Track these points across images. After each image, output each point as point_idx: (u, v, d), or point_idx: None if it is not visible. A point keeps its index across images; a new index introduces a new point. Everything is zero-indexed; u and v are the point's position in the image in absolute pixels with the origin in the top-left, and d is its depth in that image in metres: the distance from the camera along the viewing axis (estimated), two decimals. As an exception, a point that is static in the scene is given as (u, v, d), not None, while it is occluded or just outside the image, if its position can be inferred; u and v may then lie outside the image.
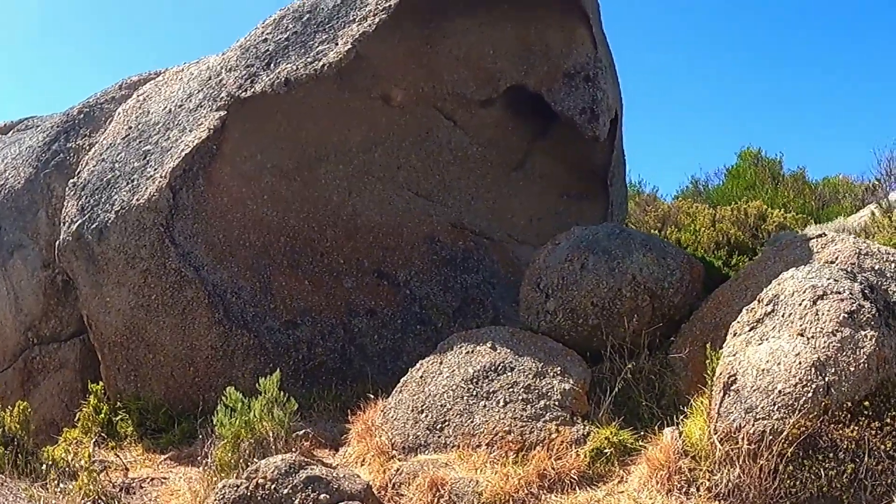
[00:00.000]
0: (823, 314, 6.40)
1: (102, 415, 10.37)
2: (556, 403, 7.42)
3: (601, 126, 11.43)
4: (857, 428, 5.84)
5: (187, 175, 10.41)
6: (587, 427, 7.18)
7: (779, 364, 6.23)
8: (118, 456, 9.20)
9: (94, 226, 10.69)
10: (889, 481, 5.71)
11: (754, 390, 6.18)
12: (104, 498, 7.63)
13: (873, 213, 11.96)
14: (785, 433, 5.83)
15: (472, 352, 8.12)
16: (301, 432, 8.09)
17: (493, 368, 7.84)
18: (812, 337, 6.29)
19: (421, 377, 8.19)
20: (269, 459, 6.90)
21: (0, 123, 15.60)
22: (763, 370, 6.28)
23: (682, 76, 55.74)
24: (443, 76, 11.52)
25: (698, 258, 10.41)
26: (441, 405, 7.73)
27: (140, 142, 11.29)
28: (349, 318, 10.77)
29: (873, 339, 6.15)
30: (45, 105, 74.65)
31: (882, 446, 5.80)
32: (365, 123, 11.39)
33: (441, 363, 8.20)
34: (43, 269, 12.29)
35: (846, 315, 6.33)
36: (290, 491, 6.56)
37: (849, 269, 7.09)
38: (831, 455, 5.80)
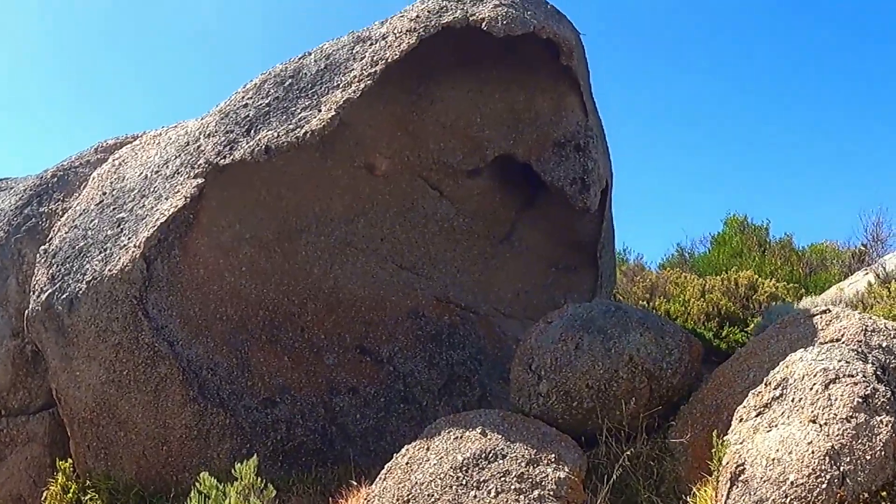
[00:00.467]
0: (836, 399, 6.07)
1: (71, 494, 10.08)
2: (551, 493, 6.98)
3: (592, 197, 11.17)
4: (874, 520, 5.47)
5: (162, 245, 10.02)
6: (585, 519, 6.78)
7: (790, 453, 5.88)
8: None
9: (64, 296, 10.30)
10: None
11: (764, 481, 5.83)
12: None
13: (870, 284, 11.65)
14: (800, 528, 5.48)
15: (462, 437, 7.67)
16: (279, 521, 7.65)
17: (483, 456, 7.38)
18: (825, 424, 5.95)
19: (407, 463, 7.72)
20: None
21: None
22: (773, 459, 5.93)
23: (665, 142, 56.00)
24: (429, 144, 11.24)
25: (691, 332, 10.10)
26: (429, 495, 7.26)
27: (114, 209, 10.94)
28: (330, 397, 10.35)
29: (889, 426, 5.80)
30: (20, 166, 74.56)
31: (902, 539, 5.44)
32: (348, 193, 11.08)
33: (428, 449, 7.74)
34: (12, 338, 11.88)
35: (860, 400, 6.01)
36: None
37: (859, 350, 6.76)
38: (850, 550, 5.44)
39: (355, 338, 10.82)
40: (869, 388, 6.06)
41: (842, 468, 5.66)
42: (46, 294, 10.52)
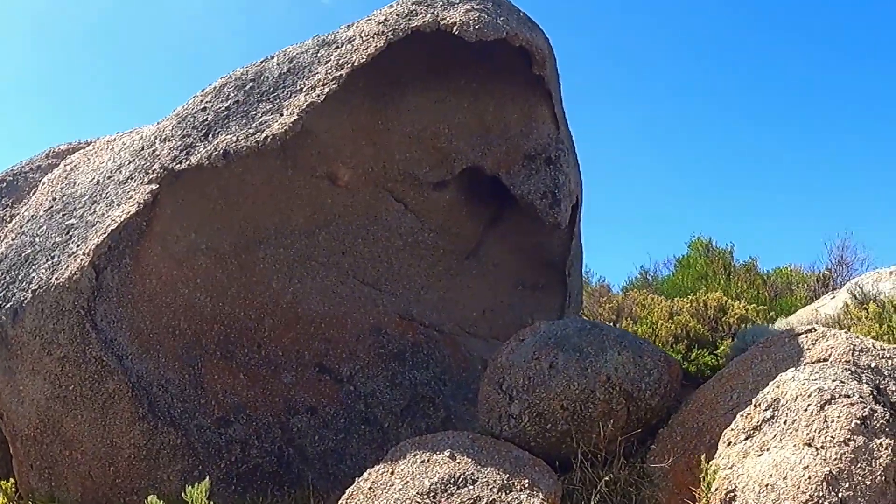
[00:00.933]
0: (833, 421, 5.76)
1: (12, 515, 9.45)
2: (526, 521, 6.56)
3: (563, 212, 10.81)
4: (875, 549, 5.16)
5: (113, 253, 9.48)
6: (561, 549, 6.36)
7: (785, 478, 5.57)
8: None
9: (8, 305, 9.72)
10: None
11: (758, 509, 5.48)
12: None
13: (847, 305, 11.37)
14: (799, 559, 5.12)
15: (428, 461, 7.19)
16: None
17: (452, 481, 6.90)
18: (822, 447, 5.63)
19: (370, 489, 7.22)
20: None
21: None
22: (767, 485, 5.61)
23: (626, 163, 56.07)
24: (394, 155, 10.84)
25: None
26: (394, 522, 6.82)
27: (64, 215, 10.40)
28: (287, 417, 9.86)
29: (889, 449, 5.54)
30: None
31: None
32: (308, 204, 10.64)
33: (392, 473, 7.25)
34: (-46, 350, 11.31)
35: (858, 421, 5.72)
36: None
37: (852, 369, 6.46)
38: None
39: (314, 355, 10.35)
40: (866, 409, 5.78)
41: (840, 494, 5.36)
42: (-11, 304, 9.94)
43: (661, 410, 7.77)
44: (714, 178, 55.48)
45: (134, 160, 10.31)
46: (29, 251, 10.17)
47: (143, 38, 56.18)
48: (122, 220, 9.50)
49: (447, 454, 7.19)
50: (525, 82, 10.73)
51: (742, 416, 6.35)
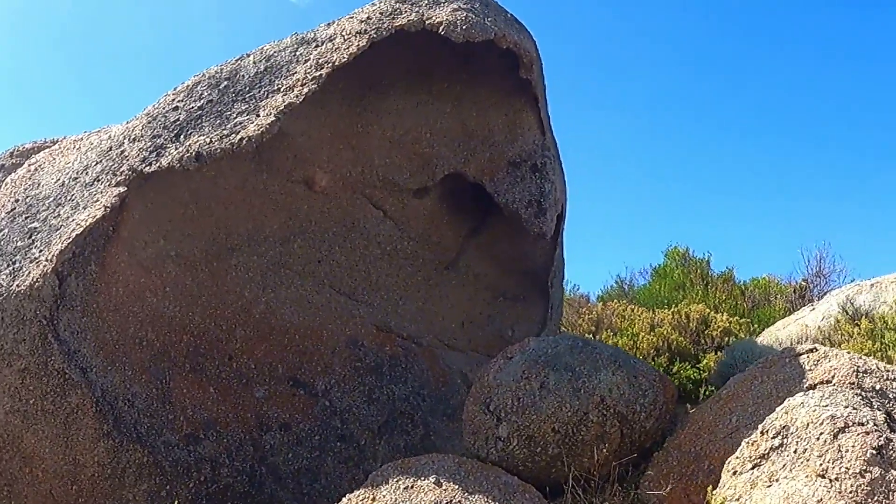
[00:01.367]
0: (848, 451, 5.43)
1: (-30, 535, 8.95)
2: (518, 552, 6.17)
3: (548, 221, 10.44)
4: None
5: (77, 260, 8.99)
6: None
7: (798, 513, 5.19)
8: None
9: (-35, 313, 9.21)
10: None
11: (768, 544, 5.13)
12: None
13: (838, 321, 11.08)
14: None
15: (412, 487, 6.78)
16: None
17: (439, 508, 6.53)
18: (836, 479, 5.30)
19: (350, 516, 6.84)
20: None
21: None
22: (778, 520, 5.23)
23: (602, 173, 56.01)
24: (373, 160, 10.40)
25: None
26: (376, 553, 6.41)
27: (27, 218, 9.89)
28: (260, 433, 9.39)
29: None
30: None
31: None
32: (284, 210, 10.19)
33: (374, 500, 6.83)
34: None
35: (874, 451, 5.40)
36: None
37: (861, 394, 6.13)
38: None
39: (288, 369, 9.89)
40: (882, 439, 5.46)
41: (857, 530, 5.00)
42: (-54, 311, 9.42)
43: (655, 433, 7.42)
44: (690, 186, 55.54)
45: (101, 161, 9.82)
46: (-11, 256, 9.67)
47: (112, 34, 55.47)
48: (87, 224, 9.01)
49: (432, 480, 6.80)
50: (510, 87, 10.36)
51: (748, 443, 6.00)
